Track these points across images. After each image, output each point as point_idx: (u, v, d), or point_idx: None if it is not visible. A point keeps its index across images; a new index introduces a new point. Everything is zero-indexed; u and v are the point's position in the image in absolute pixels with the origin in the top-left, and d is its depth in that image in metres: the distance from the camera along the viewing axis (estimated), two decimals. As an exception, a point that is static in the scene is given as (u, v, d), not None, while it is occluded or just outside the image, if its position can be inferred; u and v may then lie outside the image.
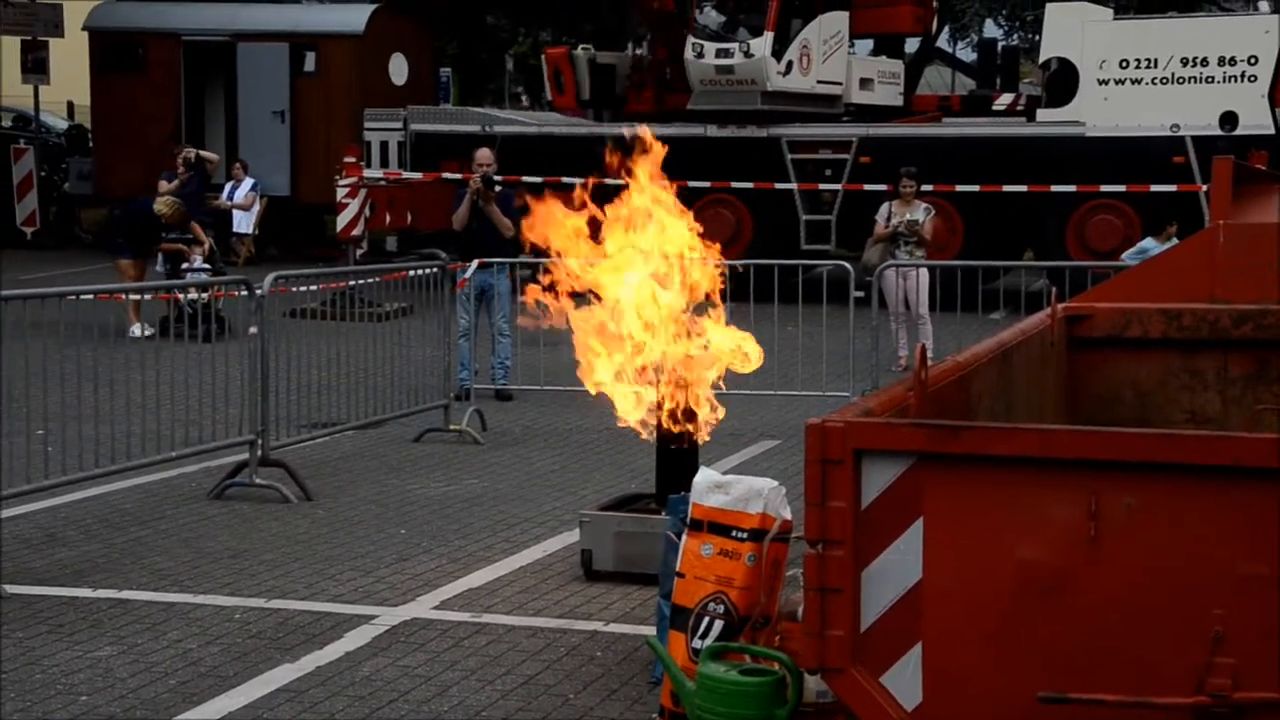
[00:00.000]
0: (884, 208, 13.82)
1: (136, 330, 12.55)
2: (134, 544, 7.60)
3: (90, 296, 9.46)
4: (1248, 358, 6.12)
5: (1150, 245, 13.03)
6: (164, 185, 16.90)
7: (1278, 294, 6.05)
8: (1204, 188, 15.69)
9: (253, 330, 8.84)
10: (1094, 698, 3.64)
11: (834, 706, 4.96)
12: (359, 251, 17.40)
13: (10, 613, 6.41)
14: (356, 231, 17.23)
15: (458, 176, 16.92)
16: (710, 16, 18.73)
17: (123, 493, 8.65)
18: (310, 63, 22.29)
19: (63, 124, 28.94)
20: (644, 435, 6.76)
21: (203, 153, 18.77)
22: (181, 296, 12.56)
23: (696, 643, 5.06)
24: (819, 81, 18.79)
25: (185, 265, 15.02)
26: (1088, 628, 3.69)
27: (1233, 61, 16.93)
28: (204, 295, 12.75)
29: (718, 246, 6.88)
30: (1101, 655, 3.69)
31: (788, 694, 4.78)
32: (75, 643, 6.07)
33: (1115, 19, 18.90)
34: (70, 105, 29.75)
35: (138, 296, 13.50)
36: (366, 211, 17.41)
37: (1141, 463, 3.67)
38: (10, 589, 6.69)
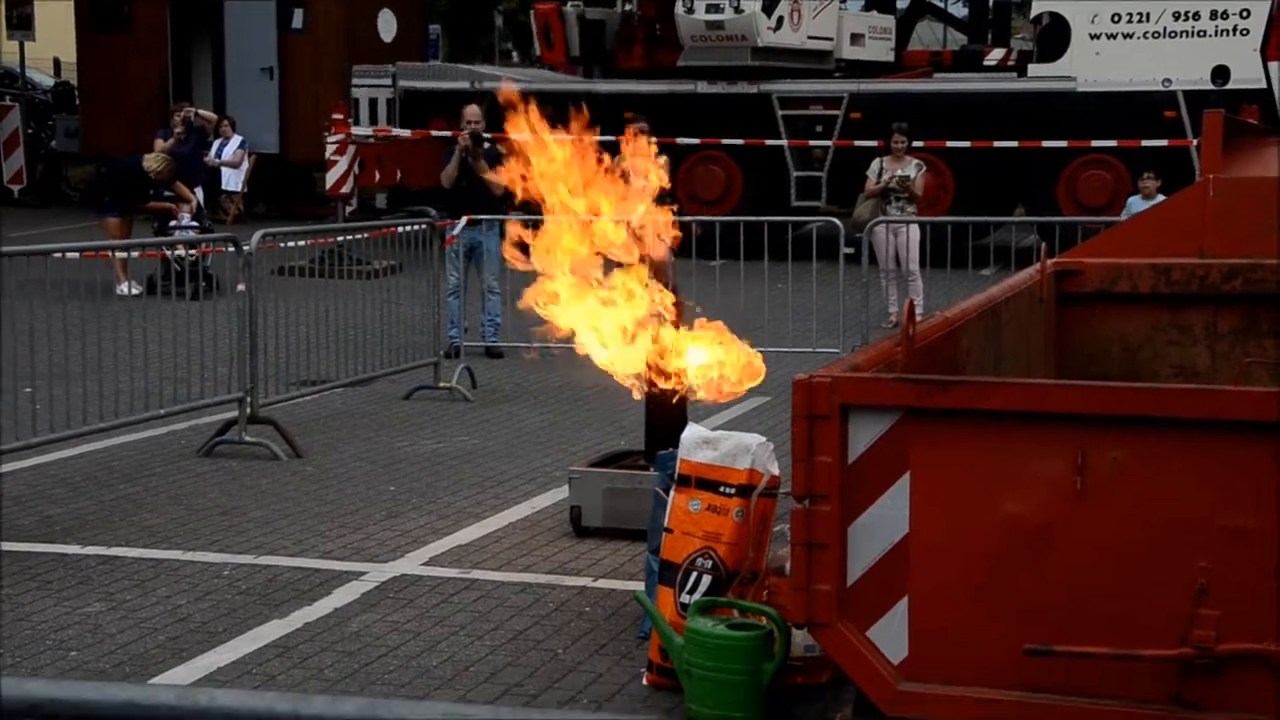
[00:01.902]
0: (875, 164, 13.79)
1: (124, 288, 12.51)
2: (123, 501, 7.59)
3: (77, 254, 9.42)
4: (1236, 312, 6.11)
5: (1135, 203, 13.00)
6: (159, 144, 16.81)
7: (1267, 249, 6.04)
8: (1195, 142, 15.65)
9: (241, 288, 8.81)
10: (1079, 650, 3.66)
11: (821, 660, 4.99)
12: (348, 209, 17.35)
13: (-1, 570, 6.42)
14: (345, 189, 17.18)
15: (447, 134, 16.85)
16: (700, -29, 18.63)
17: (111, 450, 8.65)
18: (298, 19, 22.14)
19: (49, 81, 28.76)
20: (635, 394, 6.75)
21: (202, 112, 18.65)
22: (169, 254, 12.52)
23: (684, 598, 5.08)
24: (810, 37, 18.71)
25: (173, 223, 14.97)
26: (1073, 581, 3.70)
27: (1225, 15, 16.87)
28: (192, 253, 12.70)
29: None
30: (1087, 608, 3.70)
31: (775, 648, 4.80)
32: (64, 599, 6.08)
33: (1107, -27, 18.80)
34: (57, 62, 29.56)
35: (125, 254, 13.44)
36: (355, 169, 17.35)
37: (1128, 417, 3.67)
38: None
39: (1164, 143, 16.59)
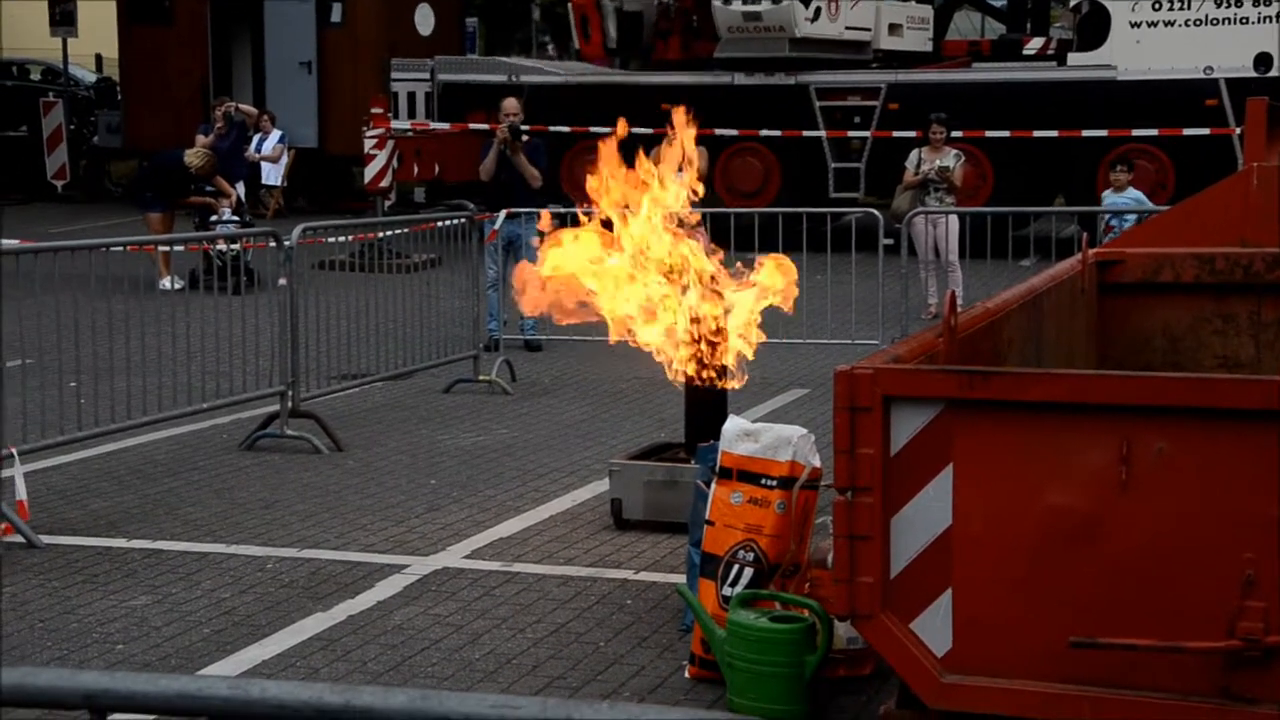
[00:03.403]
0: (913, 154, 13.73)
1: (166, 283, 12.59)
2: (167, 495, 7.65)
3: (120, 249, 9.49)
4: (1281, 302, 6.06)
5: (1107, 196, 12.83)
6: (200, 139, 16.91)
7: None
8: (1238, 130, 15.50)
9: (282, 282, 8.85)
10: (1125, 642, 3.64)
11: (864, 653, 4.98)
12: (387, 203, 17.40)
13: (45, 563, 6.48)
14: (384, 183, 17.22)
15: (485, 127, 16.88)
16: (737, -38, 18.58)
17: (155, 444, 8.71)
18: (337, 14, 22.21)
19: (91, 77, 28.97)
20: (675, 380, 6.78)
21: (243, 106, 18.73)
22: (211, 249, 12.59)
23: (726, 590, 5.08)
24: (847, 28, 18.64)
25: (214, 218, 15.05)
26: (1118, 572, 3.68)
27: (1267, 2, 16.69)
28: (233, 247, 12.78)
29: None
30: (1132, 600, 3.68)
31: (818, 641, 4.80)
32: (110, 592, 6.13)
33: (1147, -40, 18.66)
34: (99, 58, 29.76)
35: (167, 249, 13.54)
36: (394, 163, 17.39)
37: (1174, 407, 3.65)
38: (46, 539, 6.75)
39: (1206, 131, 16.45)
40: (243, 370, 9.12)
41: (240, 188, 16.56)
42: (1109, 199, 12.75)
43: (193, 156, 15.05)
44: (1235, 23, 16.81)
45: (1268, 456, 3.59)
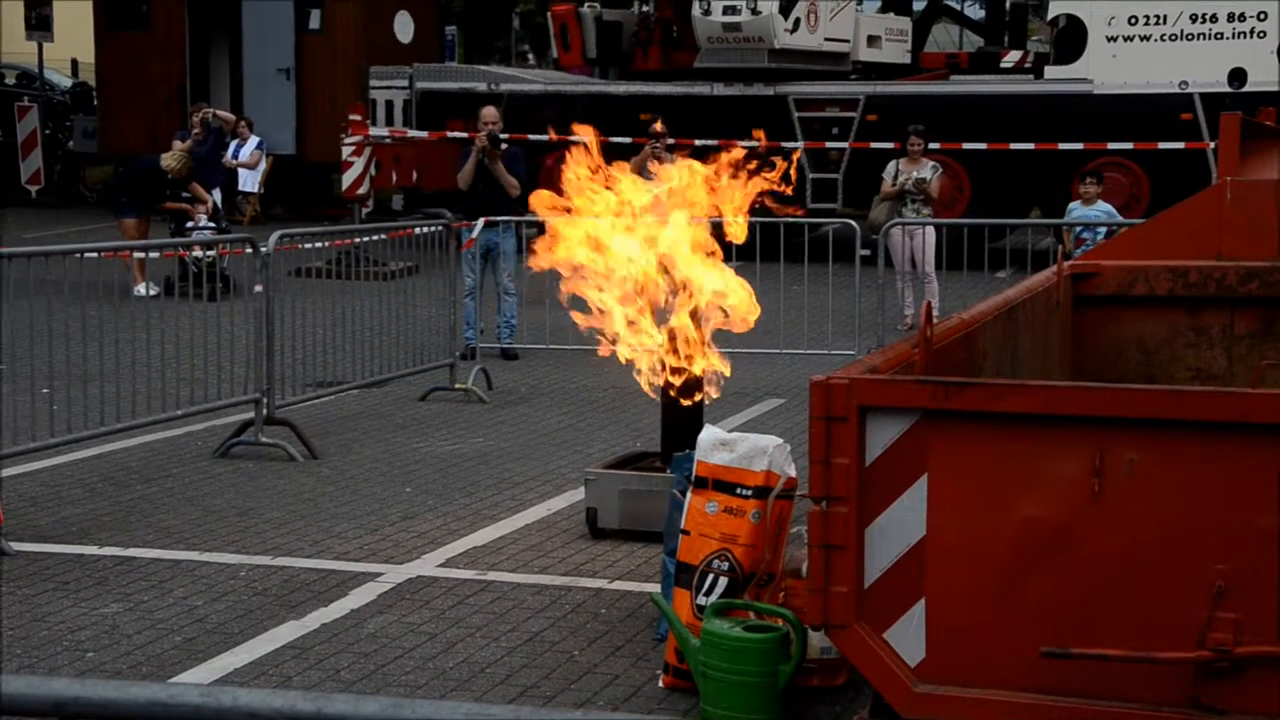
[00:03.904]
0: (891, 166, 13.78)
1: (141, 289, 12.54)
2: (140, 502, 7.62)
3: (95, 255, 9.45)
4: (1254, 315, 6.11)
5: (1075, 208, 12.86)
6: (177, 144, 16.86)
7: (1285, 251, 6.02)
8: (1212, 145, 15.60)
9: (258, 289, 8.83)
10: (1097, 652, 3.65)
11: (838, 662, 4.99)
12: (364, 210, 17.38)
13: (16, 570, 6.44)
14: (362, 190, 17.20)
15: (463, 135, 16.87)
16: (717, -27, 18.63)
17: (128, 451, 8.67)
18: (315, 20, 22.19)
19: (67, 82, 28.87)
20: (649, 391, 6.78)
21: (220, 112, 18.68)
22: (186, 255, 12.55)
23: (701, 599, 5.08)
24: (826, 39, 18.70)
25: (190, 224, 15.01)
26: (1091, 583, 3.70)
27: (1242, 18, 16.81)
28: (209, 254, 12.74)
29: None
30: (1104, 610, 3.69)
31: (792, 650, 4.80)
32: (81, 599, 6.10)
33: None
34: (74, 63, 29.67)
35: (142, 255, 13.49)
36: (372, 170, 17.37)
37: (1146, 419, 3.66)
38: (16, 546, 6.71)
39: (1180, 145, 16.55)
40: (217, 377, 9.09)
41: (217, 194, 16.50)
42: (1077, 212, 12.79)
43: (169, 159, 15.01)
44: (1210, 38, 16.92)
45: (1239, 468, 3.61)
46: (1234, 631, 3.58)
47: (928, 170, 13.53)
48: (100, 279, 8.90)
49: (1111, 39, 17.27)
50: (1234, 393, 3.90)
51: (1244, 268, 6.08)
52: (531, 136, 17.12)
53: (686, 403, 6.67)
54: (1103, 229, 12.30)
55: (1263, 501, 3.58)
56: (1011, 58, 20.18)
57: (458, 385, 10.42)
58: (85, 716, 1.91)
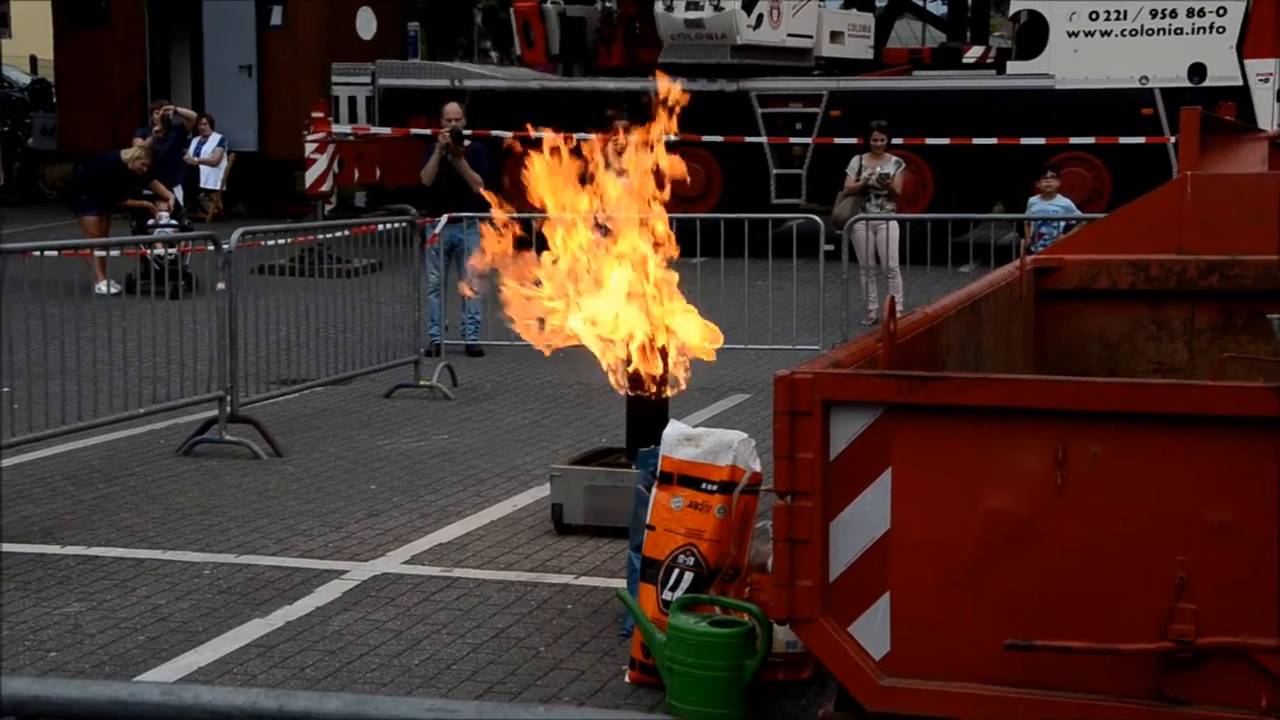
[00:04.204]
0: (854, 161, 13.81)
1: (103, 287, 12.45)
2: (102, 500, 7.57)
3: (55, 253, 9.38)
4: (1214, 308, 6.15)
5: (1035, 202, 12.92)
6: (138, 142, 16.75)
7: (1244, 245, 6.07)
8: (1172, 139, 15.70)
9: (221, 286, 8.78)
10: (1060, 645, 3.67)
11: (803, 656, 5.00)
12: (328, 207, 17.30)
13: (-22, 570, 6.39)
14: (325, 187, 17.13)
15: (426, 132, 16.81)
16: (679, -31, 18.63)
17: (90, 450, 8.61)
18: (277, 16, 22.07)
19: (26, 79, 28.62)
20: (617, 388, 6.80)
21: (181, 109, 18.56)
22: (148, 253, 12.47)
23: (667, 595, 5.08)
24: (789, 35, 18.72)
25: (151, 221, 14.91)
26: (1054, 576, 3.72)
27: (1201, 13, 16.93)
28: (171, 251, 12.66)
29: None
30: (1068, 603, 3.71)
31: (757, 644, 4.81)
32: (43, 599, 6.05)
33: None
34: (33, 59, 29.42)
35: (103, 253, 13.39)
36: (335, 167, 17.30)
37: (1109, 412, 3.69)
38: (-22, 547, 6.66)
39: (1141, 140, 16.65)
40: (180, 375, 9.04)
41: (178, 191, 16.40)
42: (1037, 206, 12.84)
43: (129, 152, 14.92)
44: (1170, 33, 17.03)
45: (1200, 461, 3.63)
46: (1195, 623, 3.60)
47: (891, 166, 13.57)
48: (61, 277, 8.84)
49: (1073, 34, 17.35)
50: (1195, 386, 3.92)
51: (1204, 261, 6.12)
52: (495, 133, 17.08)
53: (651, 398, 6.68)
54: (1061, 223, 12.36)
55: (1223, 493, 3.61)
56: (974, 53, 20.24)
57: (422, 382, 10.39)
58: (45, 716, 1.89)
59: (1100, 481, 3.67)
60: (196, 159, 20.38)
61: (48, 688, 1.87)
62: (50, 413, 7.95)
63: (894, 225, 13.38)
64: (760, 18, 18.26)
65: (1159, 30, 17.07)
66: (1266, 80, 16.68)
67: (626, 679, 5.20)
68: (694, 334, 6.67)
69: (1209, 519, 3.61)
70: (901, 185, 13.70)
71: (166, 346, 9.05)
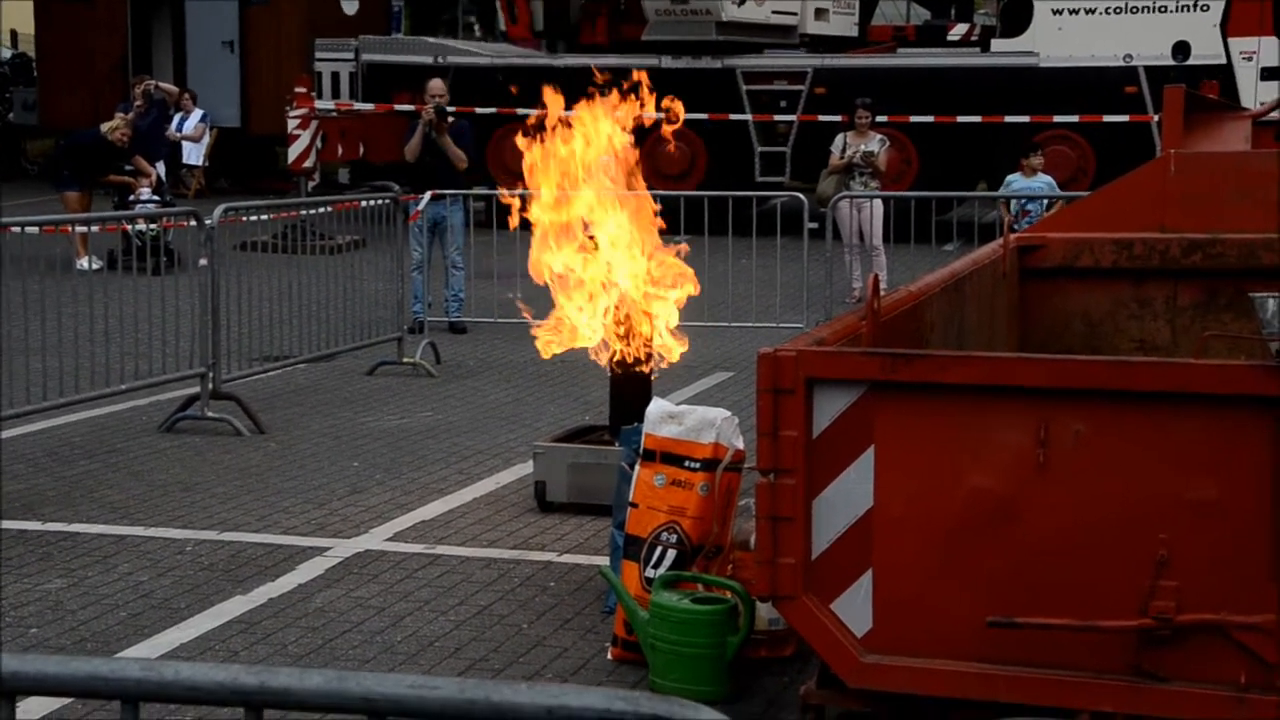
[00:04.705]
0: (839, 139, 13.79)
1: (84, 263, 12.39)
2: (84, 477, 7.55)
3: (36, 229, 9.34)
4: (1197, 287, 6.16)
5: (1015, 180, 12.91)
6: (120, 117, 16.66)
7: (1227, 223, 6.08)
8: (1156, 117, 15.71)
9: (203, 262, 8.75)
10: (1041, 622, 3.68)
11: (786, 634, 5.01)
12: (311, 184, 17.24)
13: (-41, 547, 6.37)
14: (308, 163, 17.08)
15: (410, 108, 16.76)
16: (664, -55, 18.57)
17: (71, 426, 8.58)
18: (260, -9, 21.97)
19: (6, 53, 28.45)
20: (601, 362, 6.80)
21: (163, 85, 18.46)
22: (130, 228, 12.42)
23: (649, 572, 5.09)
24: (774, 11, 18.68)
25: (133, 197, 14.84)
26: (1036, 553, 3.73)
27: (1185, -9, 16.94)
28: (153, 227, 12.61)
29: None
30: (1049, 580, 3.72)
31: (740, 622, 4.82)
32: (24, 575, 6.04)
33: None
34: (14, 34, 29.25)
35: (85, 229, 13.33)
36: (318, 143, 17.24)
37: (1091, 390, 3.69)
38: (-42, 523, 6.64)
39: (1125, 118, 16.66)
40: (162, 351, 9.00)
41: (160, 167, 16.33)
42: (1018, 184, 12.84)
43: (109, 125, 14.86)
44: (1154, 11, 17.04)
45: (1182, 439, 3.64)
46: (1176, 600, 3.62)
47: (875, 143, 13.56)
48: (42, 253, 8.80)
49: (1057, 12, 17.35)
50: (1177, 364, 3.93)
51: (1187, 240, 6.13)
52: (479, 110, 17.02)
53: (635, 374, 6.68)
54: (1046, 201, 12.37)
55: (1204, 472, 3.62)
56: (958, 31, 20.22)
57: (405, 359, 10.37)
58: (25, 692, 1.88)
59: (1082, 459, 3.68)
60: (179, 135, 20.28)
61: (27, 664, 1.87)
62: (32, 389, 7.91)
63: (878, 203, 13.37)
64: (745, -6, 18.21)
65: (1143, 8, 17.07)
66: (1250, 59, 16.70)
67: (609, 656, 5.21)
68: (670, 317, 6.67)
69: (1190, 497, 3.62)
70: (886, 163, 13.70)
71: (149, 323, 9.02)
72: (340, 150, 18.63)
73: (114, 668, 1.87)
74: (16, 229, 8.36)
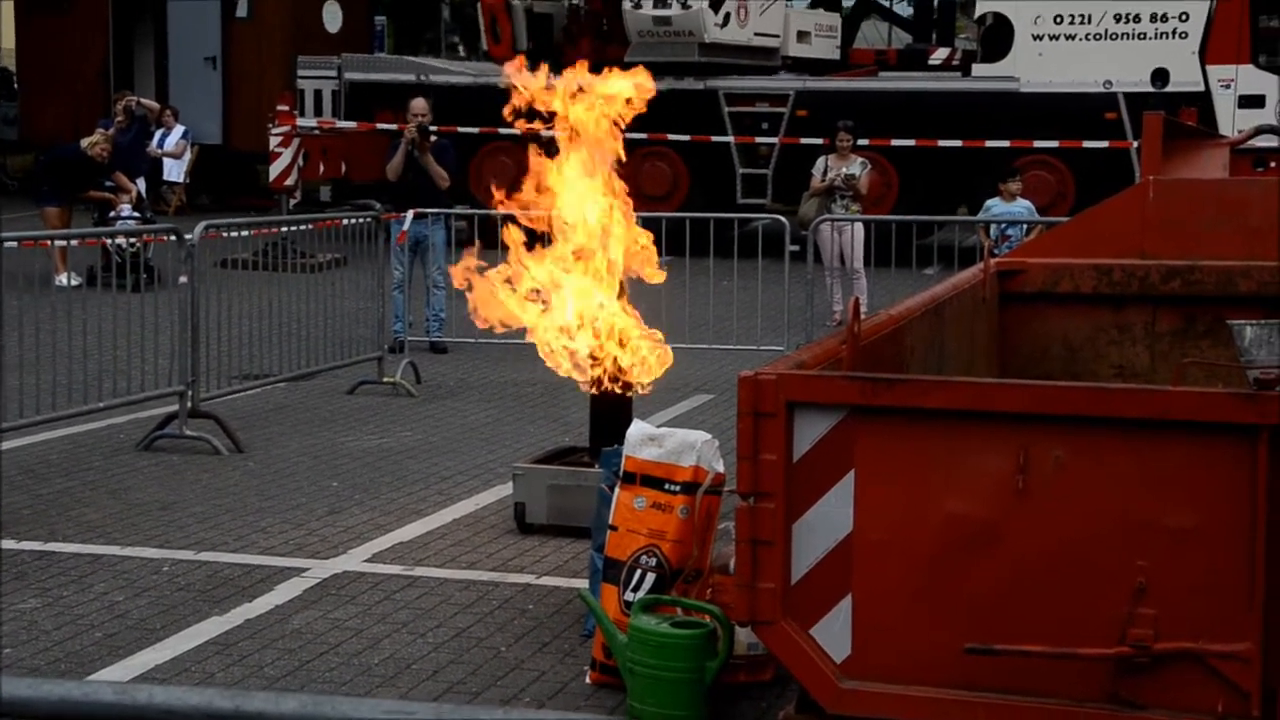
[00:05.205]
0: (820, 162, 13.83)
1: (64, 279, 12.34)
2: (60, 495, 7.50)
3: (15, 244, 9.29)
4: (1176, 313, 6.18)
5: (994, 204, 12.97)
6: (101, 133, 16.63)
7: (1205, 250, 6.10)
8: (1135, 144, 15.80)
9: (183, 280, 8.72)
10: (1019, 649, 3.68)
11: (765, 659, 5.00)
12: (292, 201, 17.22)
13: (-67, 565, 6.32)
14: (290, 181, 17.05)
15: (392, 126, 16.75)
16: (647, -33, 18.62)
17: (49, 443, 8.54)
18: (243, 8, 21.96)
19: (-13, 68, 28.38)
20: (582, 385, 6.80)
21: (145, 100, 18.42)
22: (110, 245, 12.38)
23: (628, 595, 5.07)
24: (756, 34, 18.74)
25: (113, 213, 14.80)
26: (1015, 580, 3.73)
27: (1164, 18, 17.04)
28: (133, 244, 12.57)
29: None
30: (1028, 607, 3.72)
31: (719, 646, 4.80)
32: (-1, 595, 6.00)
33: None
34: (-5, 49, 29.20)
35: (65, 244, 13.28)
36: (300, 161, 17.22)
37: (1071, 416, 3.70)
38: (-67, 541, 6.59)
39: (1105, 144, 16.75)
40: (141, 369, 8.97)
41: (141, 184, 16.29)
42: (999, 208, 12.89)
43: (89, 140, 14.83)
44: (1134, 38, 17.14)
45: (1160, 466, 3.65)
46: (1154, 628, 3.62)
47: (857, 166, 13.59)
48: (21, 269, 8.76)
49: (1038, 37, 17.45)
50: (1156, 391, 3.94)
51: (1166, 266, 6.15)
52: (461, 129, 17.02)
53: (615, 396, 6.67)
54: (1024, 226, 12.42)
55: (1183, 499, 3.63)
56: (939, 55, 20.32)
57: (386, 379, 10.35)
58: (-3, 717, 1.87)
59: (1062, 486, 3.68)
60: (159, 151, 20.24)
61: (-1, 688, 1.85)
62: (8, 405, 7.87)
63: (859, 226, 13.40)
64: (728, 16, 18.27)
65: (1123, 35, 17.18)
66: (1228, 86, 16.81)
67: (587, 680, 5.19)
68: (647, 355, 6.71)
69: (1169, 524, 3.62)
70: (867, 186, 13.73)
71: (127, 340, 8.98)
72: (322, 168, 18.62)
73: (87, 691, 1.85)
74: (-5, 245, 8.32)
